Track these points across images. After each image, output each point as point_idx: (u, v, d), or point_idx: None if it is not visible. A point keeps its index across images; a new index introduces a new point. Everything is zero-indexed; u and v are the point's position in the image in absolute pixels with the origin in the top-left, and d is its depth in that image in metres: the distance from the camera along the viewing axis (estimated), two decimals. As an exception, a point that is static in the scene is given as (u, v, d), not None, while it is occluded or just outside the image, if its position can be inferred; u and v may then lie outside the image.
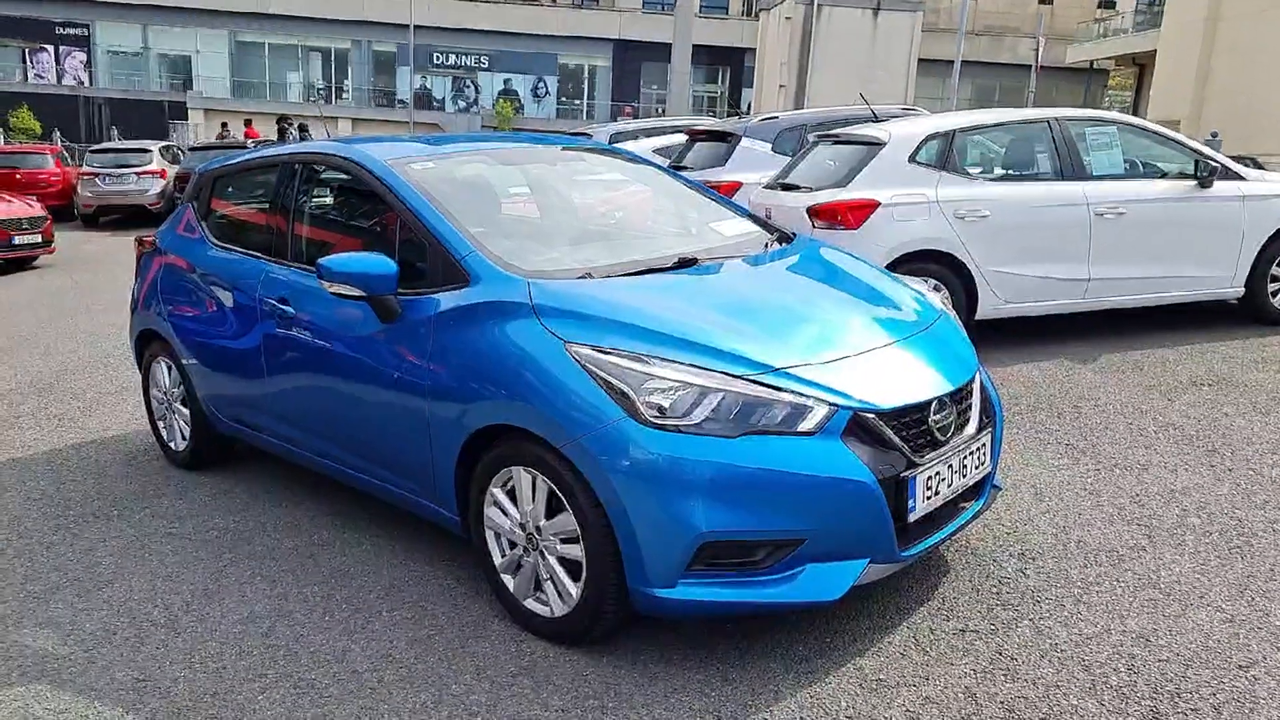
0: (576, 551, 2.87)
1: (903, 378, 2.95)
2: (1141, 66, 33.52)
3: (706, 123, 10.77)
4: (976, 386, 3.23)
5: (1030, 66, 30.64)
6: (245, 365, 4.09)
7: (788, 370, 2.80)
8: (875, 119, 7.17)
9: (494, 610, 3.25)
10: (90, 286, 11.08)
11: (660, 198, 4.26)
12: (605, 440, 2.70)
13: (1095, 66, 39.24)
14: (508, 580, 3.15)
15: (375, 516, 4.04)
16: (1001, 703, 2.65)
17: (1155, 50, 26.94)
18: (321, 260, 3.30)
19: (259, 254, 4.12)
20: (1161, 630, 2.99)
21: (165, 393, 4.75)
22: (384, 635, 3.14)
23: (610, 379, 2.76)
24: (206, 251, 4.44)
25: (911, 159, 6.10)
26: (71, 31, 42.08)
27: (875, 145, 6.21)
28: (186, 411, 4.61)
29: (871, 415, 2.78)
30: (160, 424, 4.87)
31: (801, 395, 2.74)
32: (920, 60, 23.88)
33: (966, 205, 6.03)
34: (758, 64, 27.31)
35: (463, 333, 3.13)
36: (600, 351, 2.82)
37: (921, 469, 2.84)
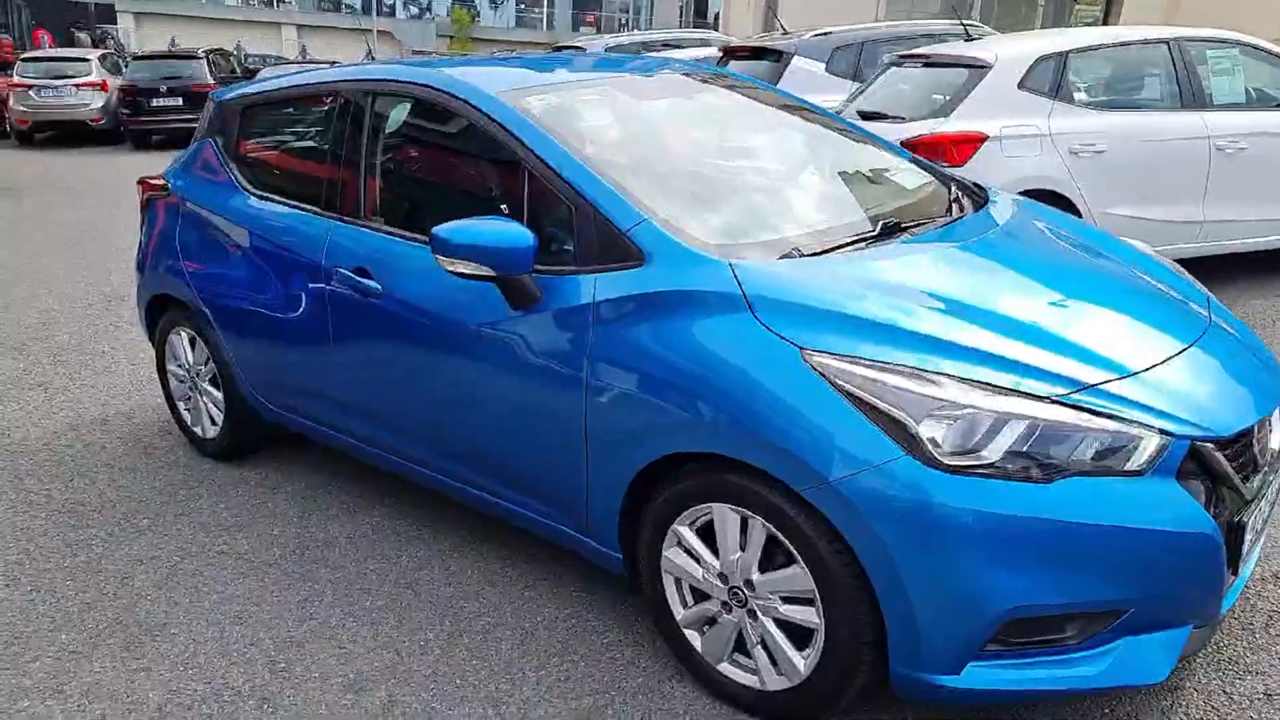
0: (809, 616, 2.22)
1: (1223, 391, 2.30)
2: (1114, -20, 32.64)
3: (744, 40, 9.84)
4: None
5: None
6: (304, 346, 3.33)
7: (1101, 387, 2.14)
8: (968, 38, 6.38)
9: (668, 669, 2.61)
10: (42, 216, 9.98)
11: (816, 140, 3.46)
12: (873, 485, 2.03)
13: (1066, -22, 38.23)
14: (693, 637, 2.51)
15: (471, 530, 3.36)
16: (1373, 809, 2.10)
17: (1128, -36, 26.07)
18: (437, 230, 2.53)
19: (318, 209, 3.31)
20: None
21: (189, 370, 3.95)
22: (539, 706, 2.48)
23: (876, 401, 2.07)
24: (241, 200, 3.61)
25: (1021, 85, 5.38)
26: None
27: (979, 68, 5.46)
28: (218, 394, 3.83)
29: (1210, 444, 2.14)
30: (182, 405, 4.08)
31: (1125, 421, 2.08)
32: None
33: (1081, 139, 5.34)
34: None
35: (638, 329, 2.40)
36: (856, 364, 2.13)
37: (1252, 505, 2.23)
